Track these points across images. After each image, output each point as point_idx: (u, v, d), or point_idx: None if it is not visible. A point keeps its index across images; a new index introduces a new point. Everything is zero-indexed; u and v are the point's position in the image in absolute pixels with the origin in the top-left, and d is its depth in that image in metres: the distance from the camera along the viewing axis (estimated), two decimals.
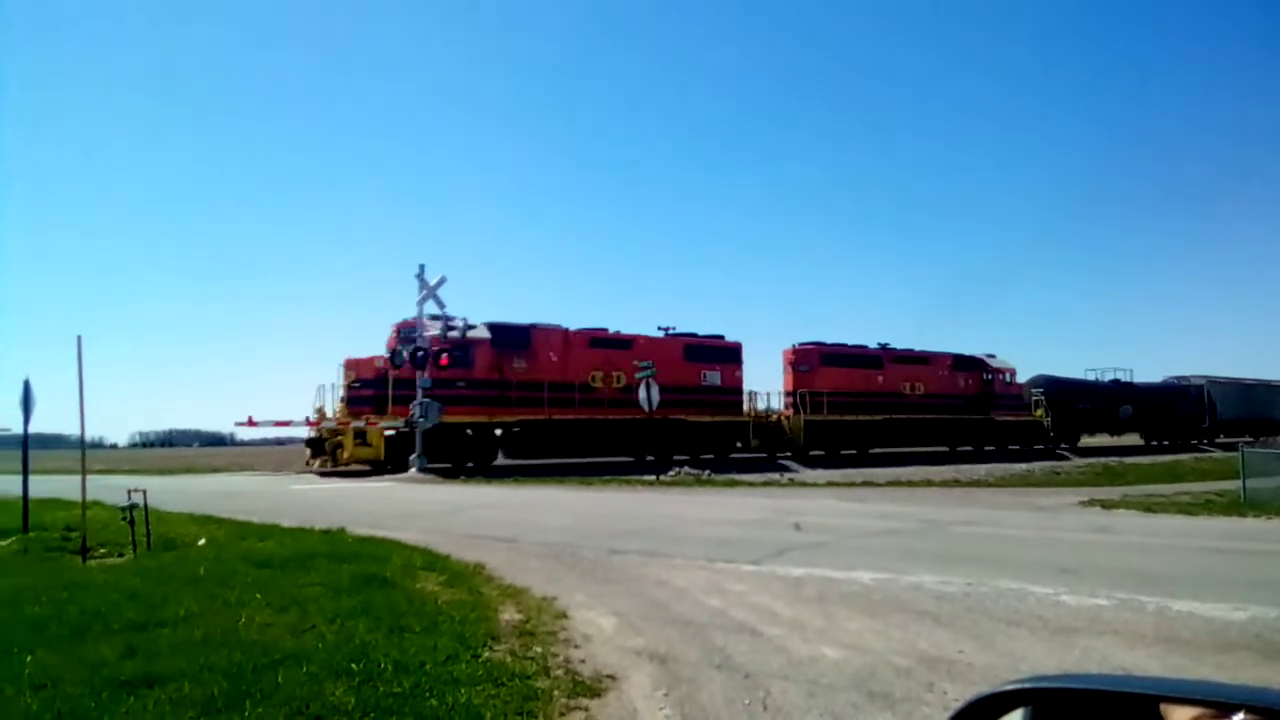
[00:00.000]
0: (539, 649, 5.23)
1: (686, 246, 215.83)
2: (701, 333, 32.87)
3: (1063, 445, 42.41)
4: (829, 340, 36.36)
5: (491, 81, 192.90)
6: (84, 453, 9.55)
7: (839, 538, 10.16)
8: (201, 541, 9.38)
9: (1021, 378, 42.49)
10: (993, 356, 41.57)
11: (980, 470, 25.96)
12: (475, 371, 26.46)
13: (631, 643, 5.46)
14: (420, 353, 23.49)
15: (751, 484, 20.23)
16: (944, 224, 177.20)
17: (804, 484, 20.34)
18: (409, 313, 25.49)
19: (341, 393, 25.99)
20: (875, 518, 12.46)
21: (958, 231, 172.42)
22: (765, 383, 36.48)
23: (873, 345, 37.36)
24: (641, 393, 23.91)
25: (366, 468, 25.29)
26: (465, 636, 5.36)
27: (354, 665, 4.72)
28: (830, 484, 19.98)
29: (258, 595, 6.49)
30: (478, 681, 4.52)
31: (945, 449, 37.65)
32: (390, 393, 24.91)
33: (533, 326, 28.50)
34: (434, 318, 25.22)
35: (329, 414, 25.91)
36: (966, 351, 41.38)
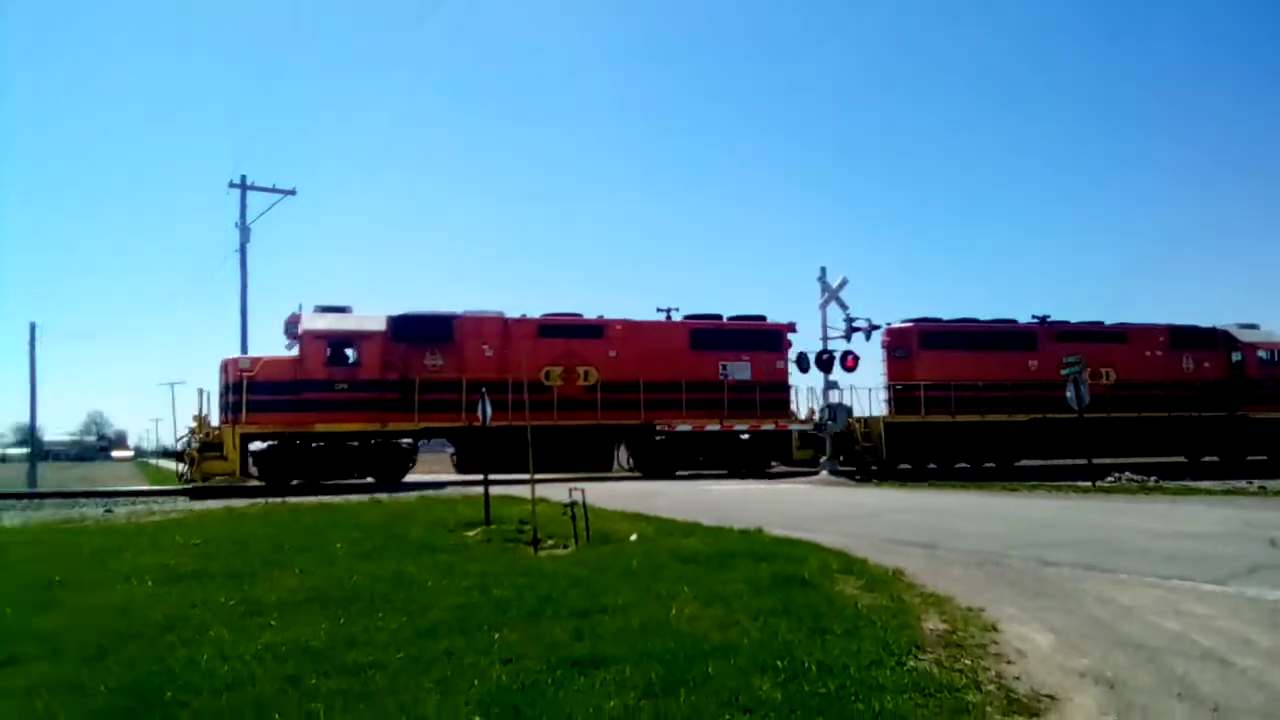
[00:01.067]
0: (968, 661, 4.96)
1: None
2: (734, 314, 26.81)
3: None
4: (944, 316, 28.34)
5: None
6: (531, 456, 10.80)
7: None
8: (633, 537, 10.13)
9: None
10: (1252, 327, 30.77)
11: None
12: (361, 371, 22.88)
13: (1073, 663, 4.98)
14: (826, 355, 23.52)
15: (1210, 491, 17.77)
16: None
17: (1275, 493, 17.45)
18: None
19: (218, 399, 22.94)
20: None
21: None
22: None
23: (1024, 319, 28.33)
24: (1069, 391, 19.61)
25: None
26: (888, 642, 5.23)
27: (779, 662, 4.80)
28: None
29: (685, 589, 6.85)
30: (903, 689, 4.38)
31: (1150, 459, 27.10)
32: (245, 398, 21.90)
33: (456, 315, 24.29)
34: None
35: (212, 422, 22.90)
36: (1195, 322, 30.86)
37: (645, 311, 27.04)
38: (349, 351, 23.01)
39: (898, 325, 28.10)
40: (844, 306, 24.55)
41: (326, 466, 22.74)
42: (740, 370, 25.87)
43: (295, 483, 22.37)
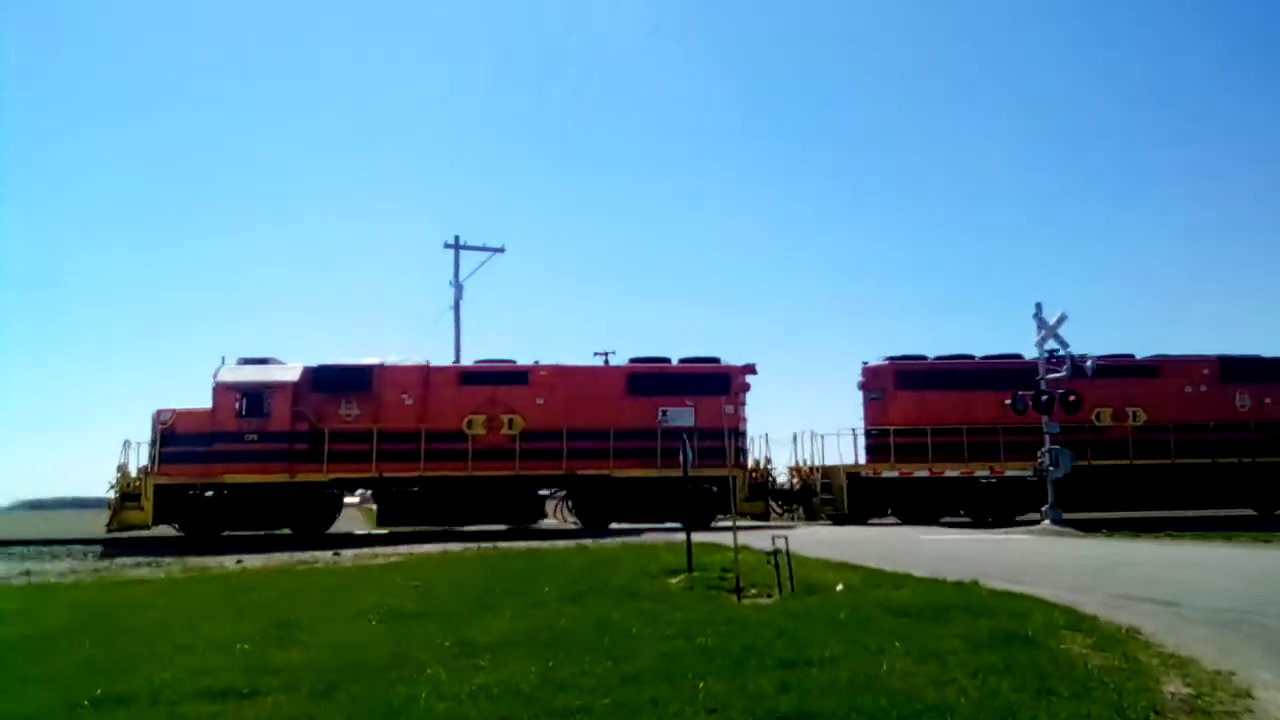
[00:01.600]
0: None
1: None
2: (689, 355, 25.18)
3: None
4: (927, 353, 25.70)
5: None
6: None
7: None
8: (839, 587, 9.82)
9: None
10: None
11: None
12: (272, 423, 22.75)
13: None
14: (1045, 397, 22.13)
15: None
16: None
17: None
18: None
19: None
20: None
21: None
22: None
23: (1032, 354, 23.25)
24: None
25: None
26: (1123, 706, 4.77)
27: None
28: None
29: (896, 643, 6.53)
30: None
31: (1196, 512, 23.98)
32: (158, 450, 22.30)
33: (377, 366, 24.02)
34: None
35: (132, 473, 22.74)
36: (1248, 351, 26.20)
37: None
38: (262, 403, 23.15)
39: (873, 364, 26.17)
40: (1063, 344, 22.89)
41: (245, 517, 22.91)
42: (682, 416, 24.26)
43: (225, 533, 22.87)
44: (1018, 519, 23.72)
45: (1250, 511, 25.34)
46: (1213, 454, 24.81)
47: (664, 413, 24.27)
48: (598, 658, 6.46)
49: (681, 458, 11.86)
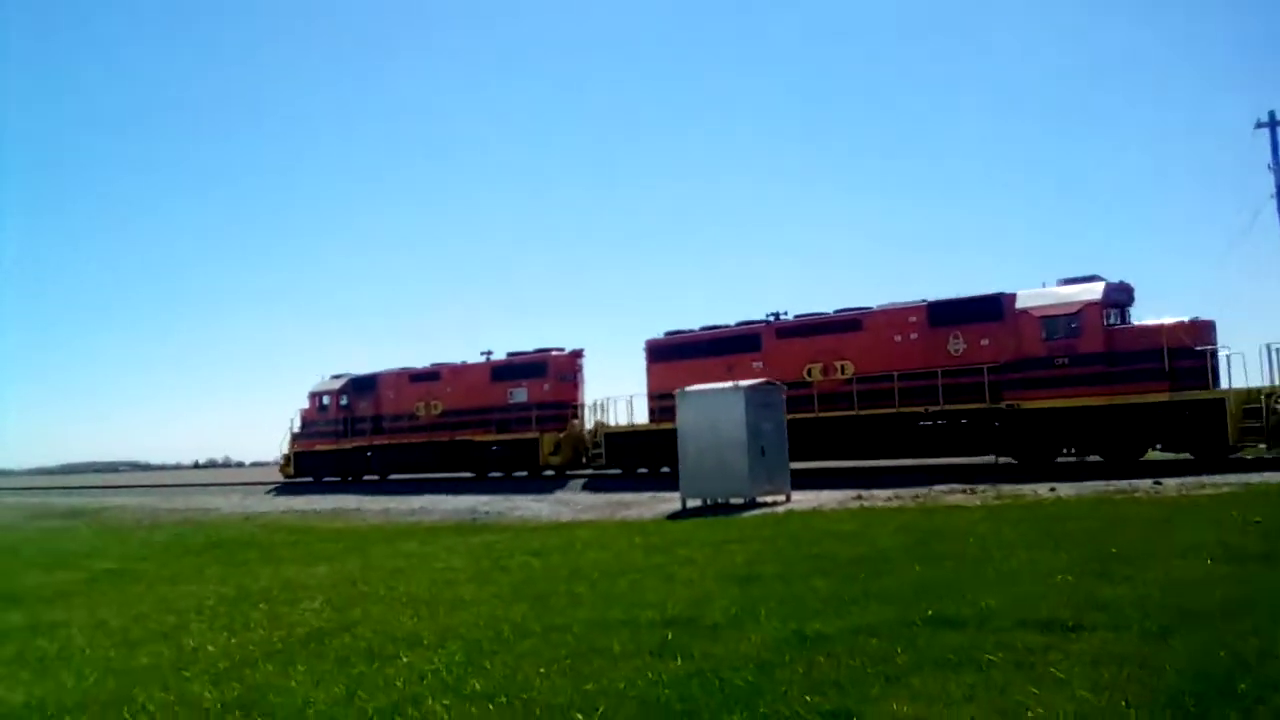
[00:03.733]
0: None
1: None
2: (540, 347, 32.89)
3: None
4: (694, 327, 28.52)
5: None
6: None
7: None
8: None
9: None
10: (1080, 281, 21.47)
11: None
12: (329, 414, 37.83)
13: None
14: None
15: None
16: None
17: None
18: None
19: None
20: None
21: None
22: None
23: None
24: None
25: None
26: None
27: None
28: None
29: None
30: None
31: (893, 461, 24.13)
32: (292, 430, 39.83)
33: (378, 374, 37.11)
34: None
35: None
36: (982, 290, 22.98)
37: None
38: (324, 403, 38.66)
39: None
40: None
41: (327, 470, 38.08)
42: (520, 394, 31.83)
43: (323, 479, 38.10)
44: None
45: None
46: (941, 401, 22.69)
47: (510, 393, 32.38)
48: None
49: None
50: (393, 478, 36.36)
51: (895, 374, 23.46)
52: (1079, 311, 20.93)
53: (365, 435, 36.57)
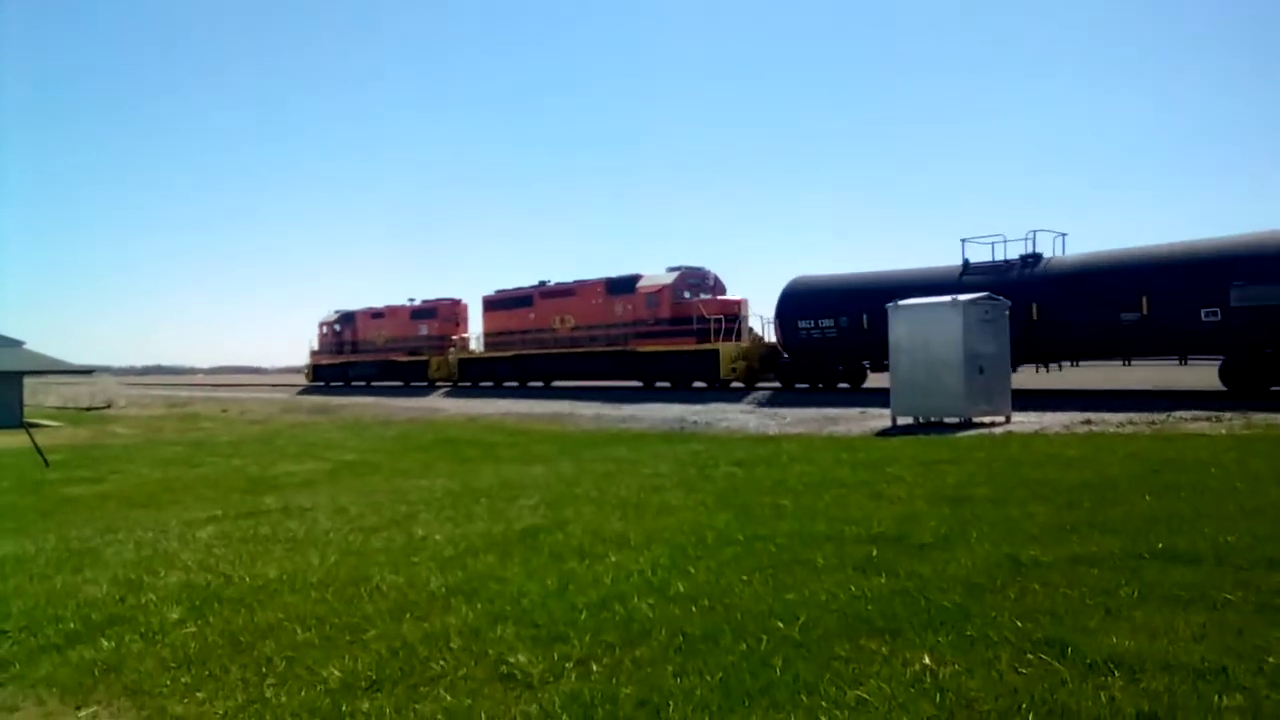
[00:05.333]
0: None
1: None
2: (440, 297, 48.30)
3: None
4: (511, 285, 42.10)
5: None
6: None
7: None
8: None
9: None
10: (674, 269, 33.82)
11: None
12: (344, 335, 52.77)
13: None
14: None
15: None
16: None
17: None
18: None
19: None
20: None
21: None
22: None
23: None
24: None
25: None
26: None
27: None
28: None
29: None
30: None
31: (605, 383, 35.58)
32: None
33: (355, 311, 52.36)
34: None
35: None
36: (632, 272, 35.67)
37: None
38: (322, 330, 54.99)
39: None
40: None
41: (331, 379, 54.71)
42: (425, 330, 47.08)
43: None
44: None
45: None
46: (620, 344, 34.68)
47: (421, 329, 47.20)
48: None
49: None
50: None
51: (589, 325, 36.50)
52: (659, 291, 33.23)
53: (346, 354, 52.59)
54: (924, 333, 18.17)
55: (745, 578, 5.72)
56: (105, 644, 5.12)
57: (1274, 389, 20.13)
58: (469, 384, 43.01)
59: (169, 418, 39.09)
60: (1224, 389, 20.69)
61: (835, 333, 27.41)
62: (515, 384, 40.86)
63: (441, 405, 34.80)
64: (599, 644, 4.60)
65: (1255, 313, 19.53)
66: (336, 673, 4.40)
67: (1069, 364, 24.48)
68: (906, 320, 18.63)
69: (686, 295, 32.62)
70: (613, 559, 6.47)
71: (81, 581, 6.75)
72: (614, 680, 4.10)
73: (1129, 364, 23.85)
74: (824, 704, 3.71)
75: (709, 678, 4.05)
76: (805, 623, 4.71)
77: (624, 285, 35.11)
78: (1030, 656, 4.12)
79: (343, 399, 42.91)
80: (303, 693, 4.21)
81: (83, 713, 4.28)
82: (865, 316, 25.61)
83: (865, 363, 28.63)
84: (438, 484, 12.13)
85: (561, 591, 5.63)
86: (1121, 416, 16.93)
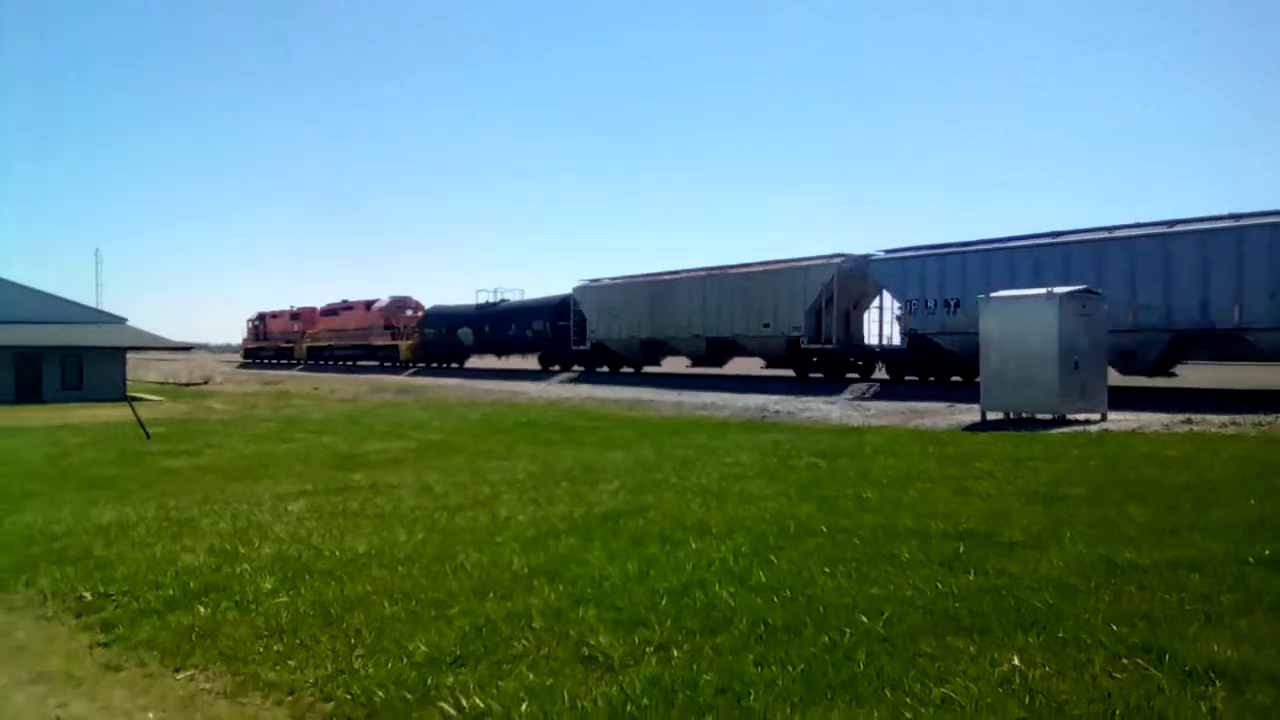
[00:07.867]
0: None
1: None
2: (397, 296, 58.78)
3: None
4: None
5: None
6: None
7: None
8: None
9: None
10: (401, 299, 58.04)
11: None
12: (251, 331, 75.65)
13: None
14: None
15: None
16: None
17: None
18: None
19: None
20: None
21: None
22: None
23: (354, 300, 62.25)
24: None
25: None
26: None
27: None
28: None
29: None
30: None
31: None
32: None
33: (265, 312, 73.38)
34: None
35: None
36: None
37: None
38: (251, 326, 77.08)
39: None
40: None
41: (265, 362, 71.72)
42: (362, 324, 58.63)
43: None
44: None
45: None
46: (364, 340, 58.55)
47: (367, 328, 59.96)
48: None
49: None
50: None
51: (350, 329, 59.80)
52: (370, 305, 58.81)
53: (262, 342, 72.98)
54: (1016, 326, 17.65)
55: (828, 570, 5.66)
56: (202, 610, 5.32)
57: None
58: (558, 369, 42.34)
59: (262, 394, 40.41)
60: None
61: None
62: (566, 371, 42.13)
63: (524, 389, 35.25)
64: (680, 630, 4.60)
65: None
66: (422, 647, 4.50)
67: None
68: (998, 313, 18.11)
69: (396, 312, 56.57)
70: (694, 545, 6.46)
71: (180, 550, 7.04)
72: (694, 666, 4.10)
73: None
74: (908, 700, 3.65)
75: (790, 669, 4.01)
76: (890, 618, 4.64)
77: (367, 306, 59.04)
78: (1125, 661, 3.98)
79: (427, 379, 43.50)
80: (389, 665, 4.32)
81: (180, 675, 4.46)
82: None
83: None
84: (519, 466, 12.29)
85: (642, 576, 5.65)
86: (1224, 417, 16.21)
